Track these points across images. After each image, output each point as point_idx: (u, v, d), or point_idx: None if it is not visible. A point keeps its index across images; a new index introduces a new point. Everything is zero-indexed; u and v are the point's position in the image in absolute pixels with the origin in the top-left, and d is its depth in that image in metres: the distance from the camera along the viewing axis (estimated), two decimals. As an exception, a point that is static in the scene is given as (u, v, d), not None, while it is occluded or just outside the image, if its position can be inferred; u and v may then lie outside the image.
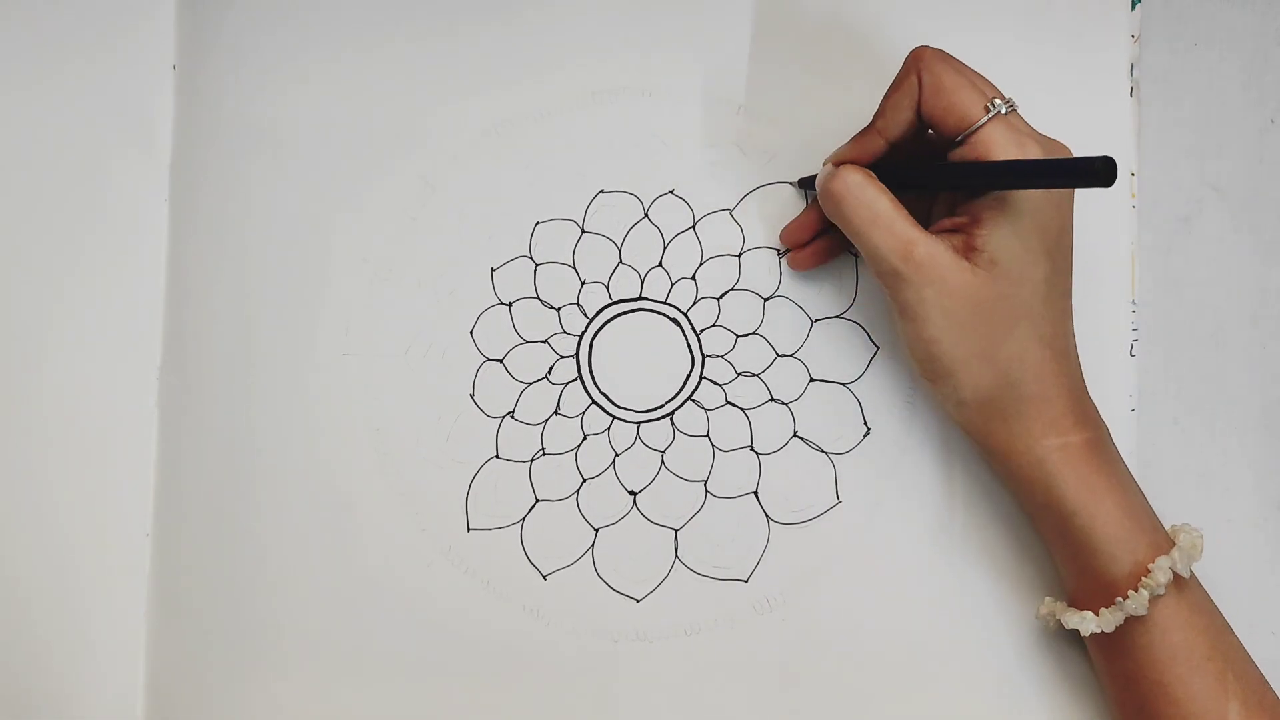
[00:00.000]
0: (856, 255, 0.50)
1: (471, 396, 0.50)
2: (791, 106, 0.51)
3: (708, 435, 0.50)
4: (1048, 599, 0.46)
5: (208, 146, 0.52)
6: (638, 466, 0.50)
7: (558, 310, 0.51)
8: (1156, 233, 0.51)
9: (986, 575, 0.49)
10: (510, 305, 0.51)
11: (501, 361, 0.51)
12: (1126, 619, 0.43)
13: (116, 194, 0.51)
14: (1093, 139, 0.50)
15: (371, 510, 0.50)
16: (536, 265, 0.51)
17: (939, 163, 0.44)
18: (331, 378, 0.51)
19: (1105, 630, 0.43)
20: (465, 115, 0.51)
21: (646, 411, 0.50)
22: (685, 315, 0.50)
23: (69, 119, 0.52)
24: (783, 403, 0.50)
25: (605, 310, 0.51)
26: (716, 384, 0.50)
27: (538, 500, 0.50)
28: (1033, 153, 0.42)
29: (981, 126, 0.42)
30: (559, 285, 0.51)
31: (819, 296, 0.50)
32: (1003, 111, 0.43)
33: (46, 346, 0.51)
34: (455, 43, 0.51)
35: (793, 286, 0.50)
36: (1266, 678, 0.44)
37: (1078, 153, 0.50)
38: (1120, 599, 0.43)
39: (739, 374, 0.50)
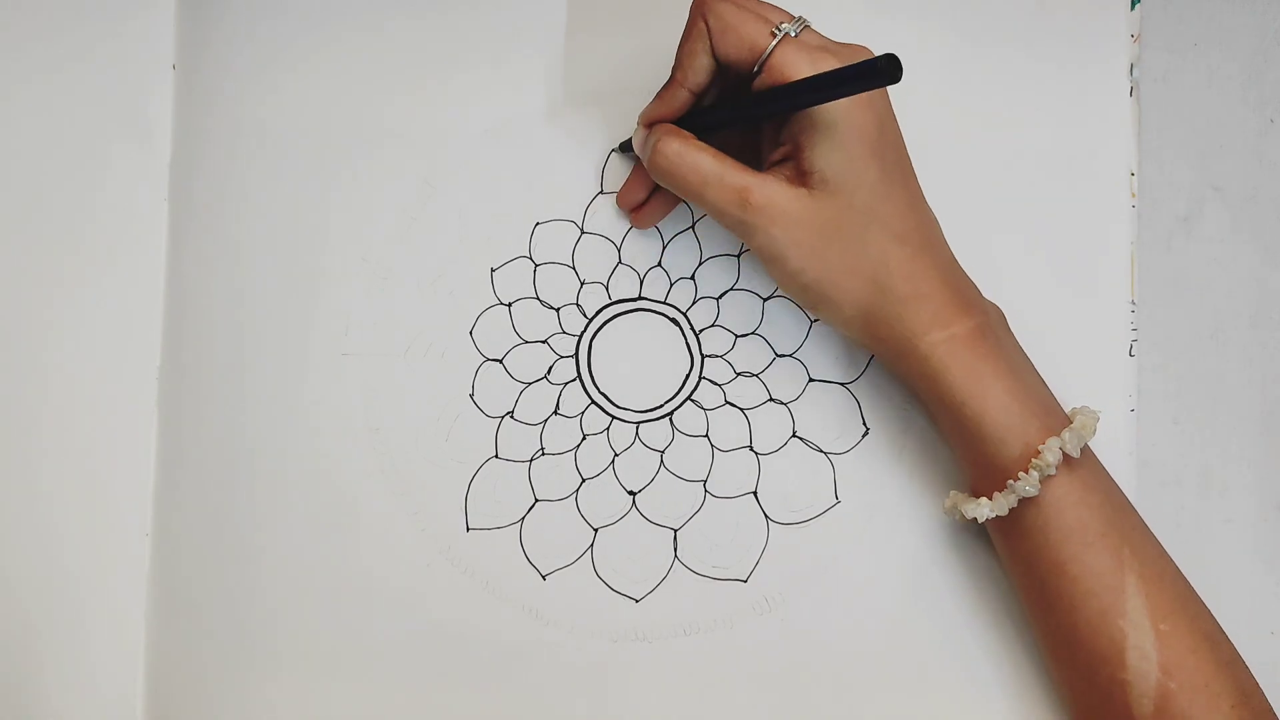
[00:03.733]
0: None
1: (471, 396, 0.50)
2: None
3: (707, 435, 0.50)
4: (952, 492, 0.47)
5: (207, 146, 0.52)
6: (637, 466, 0.50)
7: (557, 310, 0.51)
8: (1156, 233, 0.51)
9: (987, 575, 0.49)
10: (510, 305, 0.51)
11: (501, 361, 0.51)
12: (1020, 501, 0.43)
13: (116, 193, 0.51)
14: (1093, 139, 0.50)
15: (371, 510, 0.50)
16: (536, 265, 0.51)
17: (742, 99, 0.45)
18: (331, 378, 0.51)
19: (1000, 514, 0.44)
20: (465, 115, 0.51)
21: (646, 411, 0.50)
22: (684, 315, 0.50)
23: (69, 119, 0.52)
24: (782, 403, 0.50)
25: (604, 310, 0.51)
26: (716, 384, 0.50)
27: (537, 500, 0.50)
28: (826, 65, 0.42)
29: (772, 52, 0.43)
30: (558, 285, 0.51)
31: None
32: (792, 33, 0.43)
33: (47, 346, 0.51)
34: (456, 43, 0.51)
35: (792, 286, 0.50)
36: (1168, 553, 0.44)
37: (1080, 157, 0.50)
38: (1011, 481, 0.43)
39: (738, 374, 0.50)
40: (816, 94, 0.42)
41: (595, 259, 0.51)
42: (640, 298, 0.51)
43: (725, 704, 0.49)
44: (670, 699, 0.49)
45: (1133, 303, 0.50)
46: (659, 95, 0.46)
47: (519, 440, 0.50)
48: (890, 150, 0.44)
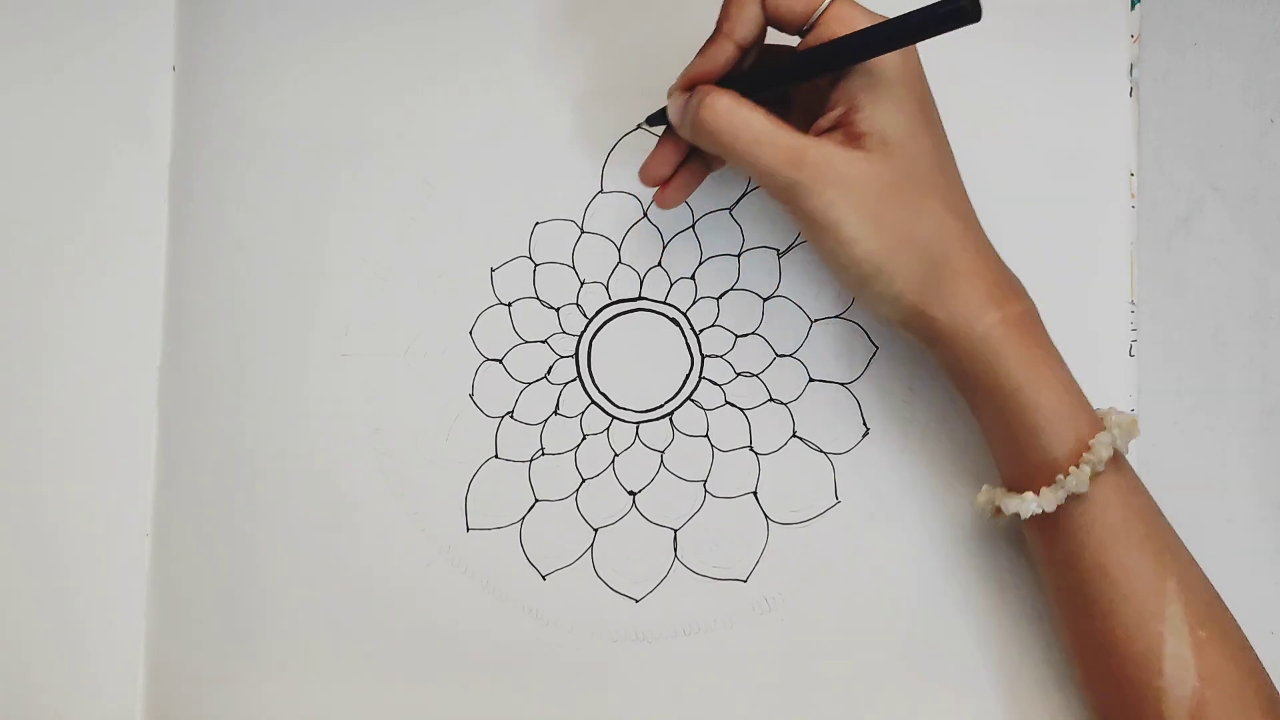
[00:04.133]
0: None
1: (471, 396, 0.50)
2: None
3: (707, 435, 0.50)
4: (985, 486, 0.45)
5: (207, 146, 0.52)
6: (637, 466, 0.50)
7: (557, 310, 0.51)
8: (1156, 233, 0.51)
9: (987, 575, 0.49)
10: (510, 305, 0.51)
11: (501, 361, 0.51)
12: (1068, 497, 0.42)
13: (116, 194, 0.51)
14: (1093, 139, 0.50)
15: (371, 510, 0.50)
16: (536, 265, 0.51)
17: (800, 52, 0.43)
18: (331, 378, 0.51)
19: (1046, 509, 0.42)
20: (465, 115, 0.51)
21: (646, 411, 0.50)
22: (684, 315, 0.50)
23: (69, 119, 0.52)
24: (782, 403, 0.50)
25: (604, 310, 0.51)
26: (716, 384, 0.50)
27: (537, 500, 0.50)
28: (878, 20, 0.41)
29: (829, 5, 0.41)
30: (558, 285, 0.51)
31: (818, 296, 0.50)
32: None
33: (47, 346, 0.51)
34: (456, 43, 0.51)
35: (792, 287, 0.50)
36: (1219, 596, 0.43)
37: (1080, 157, 0.50)
38: (1061, 476, 0.42)
39: (738, 374, 0.50)
40: (889, 40, 0.40)
41: (595, 259, 0.51)
42: (640, 298, 0.51)
43: (725, 704, 0.49)
44: (670, 699, 0.49)
45: (1133, 303, 0.50)
46: (701, 51, 0.43)
47: (519, 440, 0.50)
48: (938, 122, 0.43)
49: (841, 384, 0.50)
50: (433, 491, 0.50)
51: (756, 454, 0.50)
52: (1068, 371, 0.43)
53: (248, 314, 0.51)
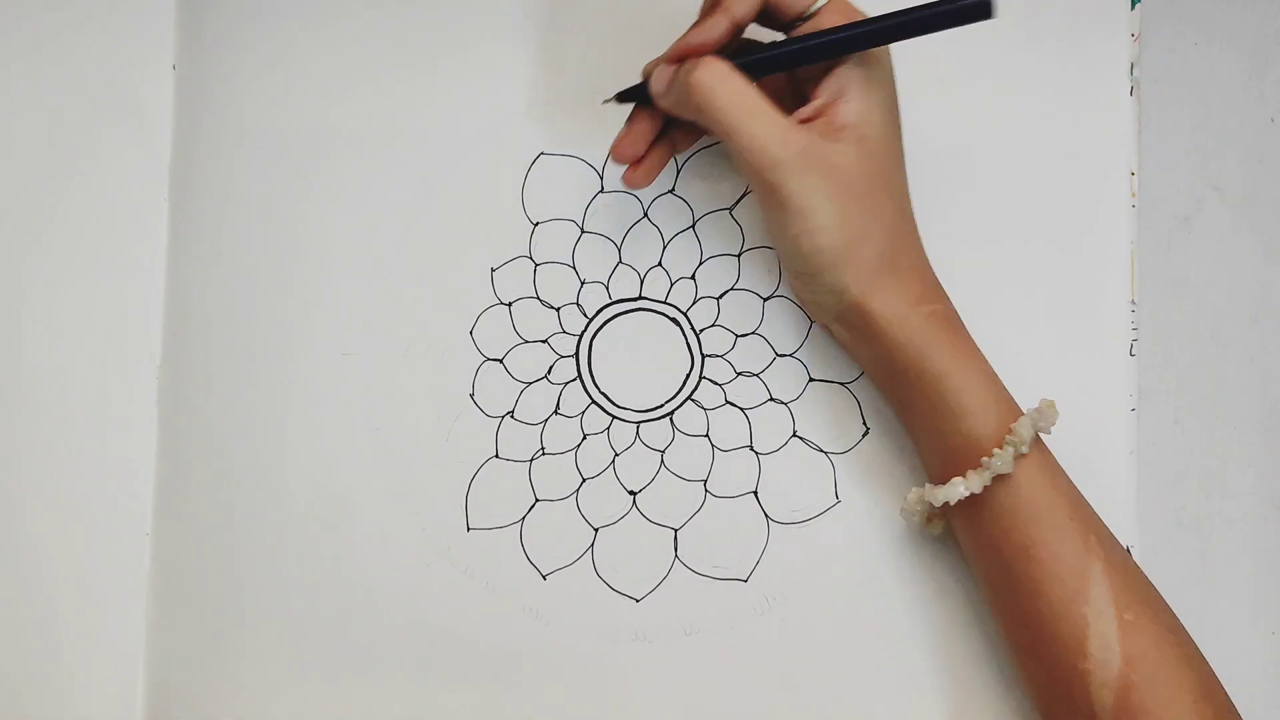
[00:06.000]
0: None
1: (471, 396, 0.50)
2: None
3: (707, 435, 0.50)
4: (912, 489, 0.46)
5: (208, 146, 0.52)
6: (637, 466, 0.50)
7: (557, 310, 0.51)
8: (1156, 232, 0.51)
9: (986, 575, 0.49)
10: (510, 305, 0.51)
11: (501, 361, 0.51)
12: (993, 479, 0.43)
13: (116, 193, 0.51)
14: (1093, 138, 0.50)
15: (371, 510, 0.50)
16: (536, 265, 0.51)
17: (804, 36, 0.43)
18: (331, 377, 0.51)
19: (973, 491, 0.43)
20: (466, 114, 0.51)
21: (646, 411, 0.50)
22: (685, 315, 0.50)
23: (69, 117, 0.52)
24: (782, 402, 0.50)
25: (605, 310, 0.51)
26: (716, 384, 0.50)
27: (537, 500, 0.50)
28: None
29: None
30: (559, 285, 0.51)
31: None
32: None
33: (46, 346, 0.51)
34: (455, 43, 0.51)
35: (792, 286, 0.50)
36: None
37: (1080, 157, 0.50)
38: (986, 458, 0.43)
39: (738, 374, 0.50)
40: (901, 30, 0.40)
41: (595, 258, 0.51)
42: (640, 297, 0.51)
43: (725, 704, 0.49)
44: (670, 699, 0.49)
45: (1133, 303, 0.50)
46: (695, 24, 0.44)
47: (519, 440, 0.50)
48: (900, 126, 0.44)
49: (841, 384, 0.50)
50: (433, 491, 0.50)
51: (757, 454, 0.50)
52: (989, 365, 0.45)
53: (248, 313, 0.51)
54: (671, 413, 0.50)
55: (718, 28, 0.43)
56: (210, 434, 0.51)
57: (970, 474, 0.43)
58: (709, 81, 0.42)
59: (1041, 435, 0.44)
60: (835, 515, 0.49)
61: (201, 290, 0.51)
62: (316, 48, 0.52)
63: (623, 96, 0.47)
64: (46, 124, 0.52)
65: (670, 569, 0.49)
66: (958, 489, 0.43)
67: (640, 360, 0.50)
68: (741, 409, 0.50)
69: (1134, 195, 0.50)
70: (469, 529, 0.50)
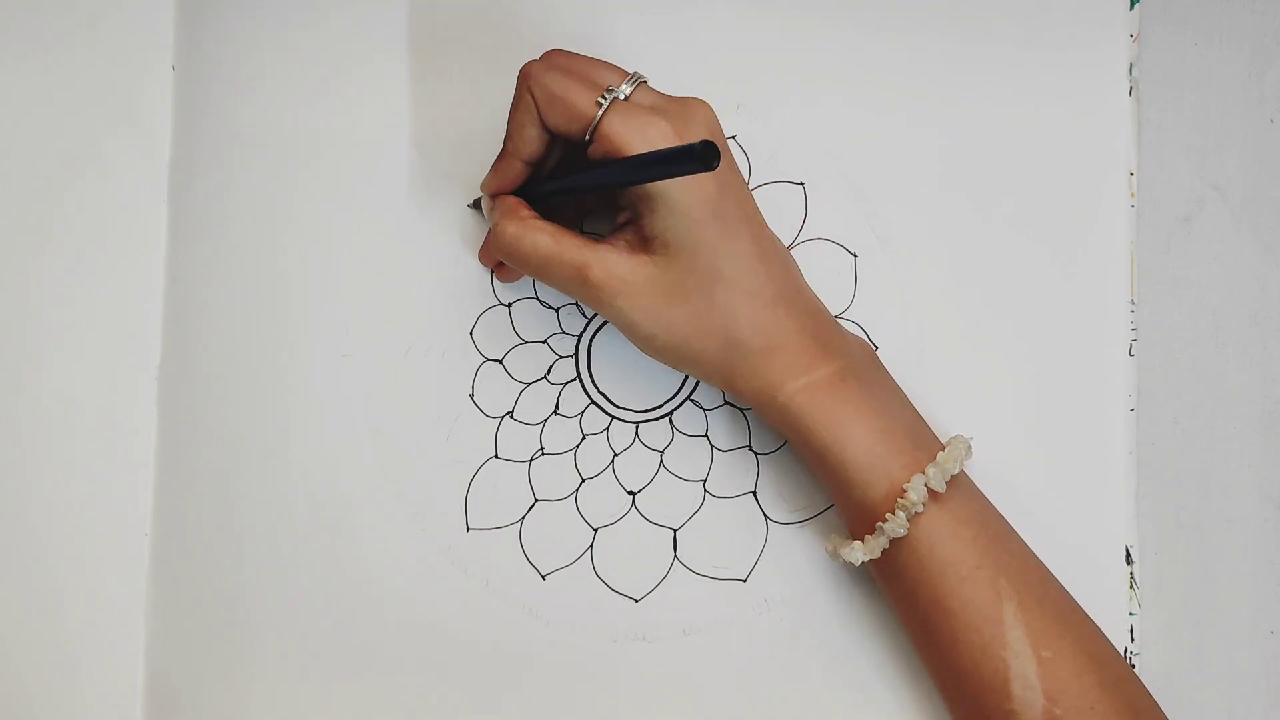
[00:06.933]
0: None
1: (471, 396, 0.50)
2: (791, 105, 0.51)
3: (706, 435, 0.50)
4: (832, 535, 0.47)
5: (207, 146, 0.52)
6: (637, 466, 0.50)
7: (556, 310, 0.51)
8: (1156, 232, 0.51)
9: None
10: (510, 305, 0.51)
11: (501, 361, 0.51)
12: (891, 542, 0.43)
13: (115, 194, 0.51)
14: (1093, 139, 0.50)
15: (371, 510, 0.50)
16: (536, 265, 0.51)
17: (580, 165, 0.45)
18: (331, 378, 0.51)
19: (873, 556, 0.44)
20: (465, 114, 0.51)
21: (645, 411, 0.50)
22: (684, 315, 0.50)
23: (68, 118, 0.52)
24: (782, 403, 0.50)
25: (604, 310, 0.51)
26: (715, 384, 0.50)
27: (537, 500, 0.50)
28: (652, 133, 0.42)
29: (599, 122, 0.43)
30: (558, 285, 0.51)
31: (819, 296, 0.50)
32: (621, 96, 0.43)
33: (46, 347, 0.51)
34: (455, 43, 0.51)
35: (792, 286, 0.50)
36: (1053, 575, 0.44)
37: (1080, 157, 0.50)
38: (880, 524, 0.43)
39: (738, 374, 0.50)
40: (627, 175, 0.42)
41: (595, 259, 0.51)
42: (640, 298, 0.51)
43: (725, 704, 0.49)
44: (669, 699, 0.49)
45: (1133, 303, 0.50)
46: (495, 166, 0.47)
47: (519, 440, 0.50)
48: (733, 207, 0.44)
49: (841, 384, 0.50)
50: (433, 491, 0.50)
51: (756, 454, 0.50)
52: (885, 417, 0.44)
53: (248, 313, 0.51)
54: (671, 413, 0.50)
55: (512, 170, 0.46)
56: (210, 434, 0.51)
57: (868, 539, 0.44)
58: (503, 240, 0.45)
59: (965, 468, 0.44)
60: (835, 516, 0.49)
61: (201, 290, 0.51)
62: (316, 49, 0.52)
63: (476, 204, 0.50)
64: (46, 124, 0.52)
65: (669, 569, 0.49)
66: (857, 553, 0.44)
67: (639, 360, 0.50)
68: (740, 409, 0.50)
69: (1133, 195, 0.50)
70: (469, 529, 0.50)
